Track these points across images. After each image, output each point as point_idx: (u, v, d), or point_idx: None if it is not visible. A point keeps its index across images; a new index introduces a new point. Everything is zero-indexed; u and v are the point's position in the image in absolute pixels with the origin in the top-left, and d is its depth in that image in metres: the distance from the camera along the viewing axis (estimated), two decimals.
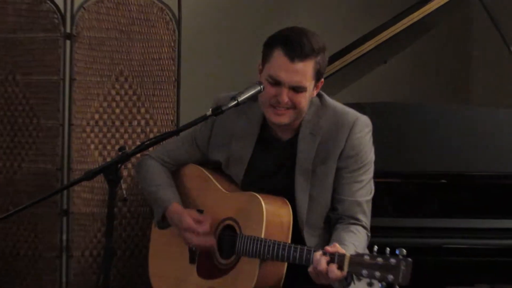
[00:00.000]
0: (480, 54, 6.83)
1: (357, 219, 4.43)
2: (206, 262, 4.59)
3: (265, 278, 4.40)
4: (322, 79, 4.47)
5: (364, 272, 3.94)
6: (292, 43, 4.30)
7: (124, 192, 5.75)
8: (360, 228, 4.40)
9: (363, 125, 4.48)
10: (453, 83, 9.19)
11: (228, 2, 8.01)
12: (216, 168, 4.75)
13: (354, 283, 4.11)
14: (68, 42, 6.18)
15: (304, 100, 4.36)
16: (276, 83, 4.32)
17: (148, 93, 6.33)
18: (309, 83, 4.34)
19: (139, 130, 6.27)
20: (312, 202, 4.49)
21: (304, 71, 4.31)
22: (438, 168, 5.75)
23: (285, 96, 4.32)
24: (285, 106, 4.36)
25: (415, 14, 6.04)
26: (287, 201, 4.46)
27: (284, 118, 4.39)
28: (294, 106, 4.37)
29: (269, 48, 4.37)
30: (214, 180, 4.70)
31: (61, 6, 6.22)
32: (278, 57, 4.32)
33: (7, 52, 6.32)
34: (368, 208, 4.47)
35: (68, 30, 6.18)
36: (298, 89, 4.32)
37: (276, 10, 8.05)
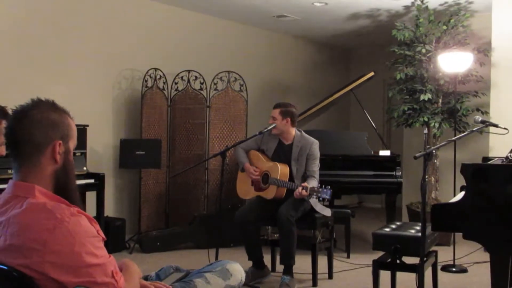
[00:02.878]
0: (354, 116, 6.83)
1: (314, 177, 4.48)
2: (257, 185, 4.65)
3: (278, 192, 4.48)
4: (288, 118, 4.56)
5: (315, 193, 4.16)
6: (276, 104, 4.60)
7: (227, 160, 5.70)
8: (314, 179, 4.46)
9: (316, 144, 4.57)
10: (343, 123, 9.04)
11: (259, 94, 7.95)
12: (262, 151, 4.73)
13: (313, 197, 4.29)
14: (208, 109, 6.28)
15: (277, 122, 4.54)
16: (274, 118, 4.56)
17: (235, 126, 6.33)
18: (276, 116, 4.55)
19: (235, 139, 6.15)
20: (297, 171, 4.52)
21: (274, 112, 4.55)
22: (338, 153, 5.78)
23: (270, 121, 4.57)
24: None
25: (326, 100, 6.24)
26: (288, 165, 4.53)
27: (272, 130, 4.57)
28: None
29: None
30: (261, 156, 4.70)
31: (205, 95, 6.38)
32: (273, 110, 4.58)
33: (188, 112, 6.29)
34: (317, 174, 4.54)
35: (208, 104, 6.29)
36: (273, 118, 4.55)
37: (277, 95, 8.00)
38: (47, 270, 1.60)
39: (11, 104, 2.17)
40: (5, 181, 3.39)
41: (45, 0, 5.58)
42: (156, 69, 6.23)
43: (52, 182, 1.76)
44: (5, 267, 1.64)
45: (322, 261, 4.64)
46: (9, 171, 4.15)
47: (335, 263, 4.90)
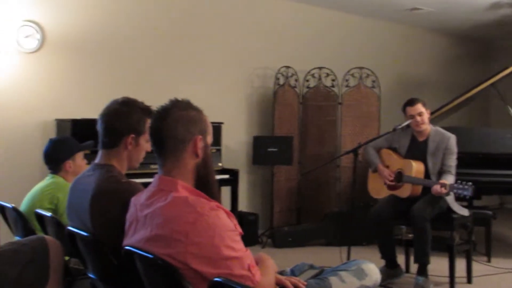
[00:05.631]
0: (496, 112, 6.26)
1: (451, 173, 4.27)
2: (390, 184, 4.48)
3: (414, 190, 4.33)
4: (429, 110, 4.43)
5: (454, 190, 4.01)
6: (411, 101, 4.37)
7: (360, 157, 5.54)
8: (451, 175, 4.25)
9: (453, 138, 4.35)
10: (482, 120, 8.55)
11: (392, 90, 7.95)
12: (394, 149, 4.59)
13: (449, 194, 4.14)
14: (339, 106, 6.29)
15: (423, 118, 4.35)
16: (412, 117, 4.34)
17: (367, 123, 6.22)
18: (423, 111, 4.34)
19: (367, 136, 5.84)
20: (433, 167, 4.33)
21: (418, 108, 4.33)
22: (477, 150, 5.41)
23: (418, 118, 4.32)
24: (419, 122, 4.33)
25: (464, 95, 5.90)
26: (423, 162, 4.35)
27: (422, 127, 4.35)
28: (422, 121, 4.34)
29: (404, 108, 4.40)
30: (393, 154, 4.56)
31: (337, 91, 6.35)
32: (408, 108, 4.37)
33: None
34: (454, 169, 4.31)
35: (339, 101, 6.29)
36: (420, 114, 4.33)
37: (411, 90, 8.08)
38: (189, 260, 1.68)
39: (149, 102, 2.31)
40: (148, 175, 3.59)
41: (182, 1, 5.87)
42: (287, 67, 6.30)
43: (193, 177, 1.86)
44: (151, 256, 1.74)
45: (460, 264, 4.42)
46: (151, 166, 4.36)
47: (475, 266, 4.63)
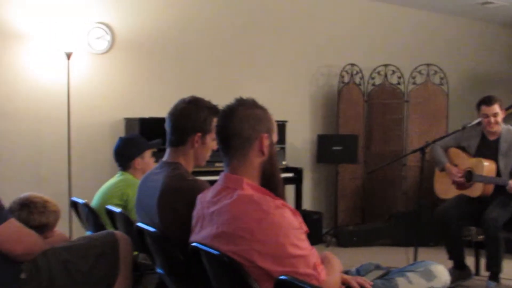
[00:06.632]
0: None
1: None
2: (458, 183, 4.35)
3: (485, 190, 4.20)
4: (503, 110, 4.24)
5: None
6: (488, 100, 4.17)
7: (427, 156, 5.37)
8: None
9: None
10: None
11: (461, 87, 7.70)
12: (462, 148, 4.44)
13: None
14: (405, 103, 6.14)
15: (497, 119, 4.19)
16: (486, 116, 4.16)
17: (435, 121, 6.03)
18: (499, 111, 4.17)
19: (435, 135, 5.57)
20: (505, 167, 4.18)
21: (495, 108, 4.14)
22: None
23: (492, 119, 4.16)
24: (493, 123, 4.17)
25: None
26: (494, 161, 4.20)
27: (494, 128, 4.19)
28: (496, 122, 4.18)
29: (479, 106, 4.23)
30: (462, 153, 4.42)
31: (402, 88, 6.22)
32: (483, 107, 4.18)
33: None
34: None
35: (406, 99, 6.14)
36: (496, 115, 4.16)
37: (481, 88, 7.68)
38: (254, 257, 1.69)
39: (215, 101, 2.34)
40: (213, 173, 3.64)
41: (247, 1, 5.92)
42: (352, 65, 6.23)
43: (259, 175, 1.87)
44: (217, 252, 1.77)
45: None
46: (216, 164, 4.43)
47: None
